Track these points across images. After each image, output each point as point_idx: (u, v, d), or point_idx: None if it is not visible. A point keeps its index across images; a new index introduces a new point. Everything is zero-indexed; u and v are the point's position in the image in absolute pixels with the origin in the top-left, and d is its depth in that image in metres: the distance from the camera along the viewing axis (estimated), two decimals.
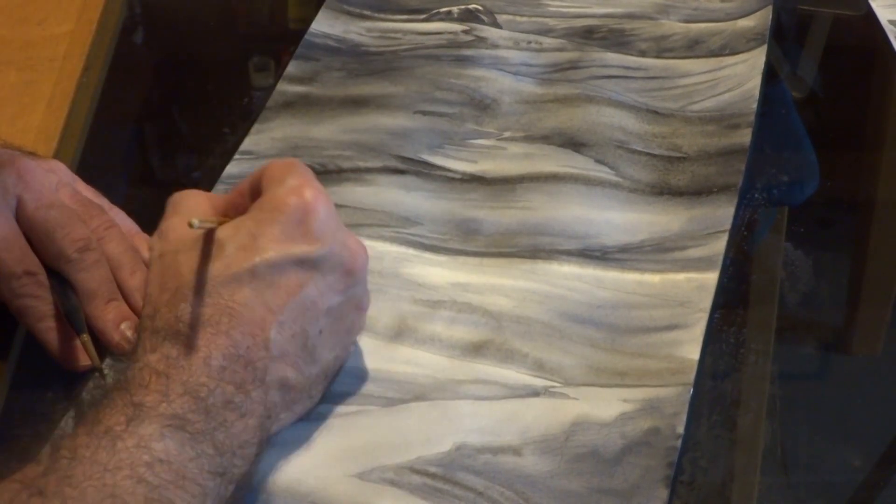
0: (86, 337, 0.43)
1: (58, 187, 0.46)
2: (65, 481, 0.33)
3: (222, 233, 0.39)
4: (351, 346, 0.42)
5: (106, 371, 0.43)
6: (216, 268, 0.38)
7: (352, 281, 0.40)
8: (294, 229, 0.39)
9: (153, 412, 0.35)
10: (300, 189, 0.39)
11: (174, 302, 0.38)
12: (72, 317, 0.43)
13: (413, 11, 0.67)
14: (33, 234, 0.45)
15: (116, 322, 0.44)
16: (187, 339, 0.37)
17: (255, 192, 0.41)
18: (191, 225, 0.37)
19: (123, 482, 0.33)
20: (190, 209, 0.42)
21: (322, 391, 0.41)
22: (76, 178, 0.49)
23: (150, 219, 0.50)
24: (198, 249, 0.39)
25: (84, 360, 0.43)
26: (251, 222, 0.39)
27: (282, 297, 0.38)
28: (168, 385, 0.36)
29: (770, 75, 0.61)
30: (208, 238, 0.39)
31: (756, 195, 0.53)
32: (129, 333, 0.44)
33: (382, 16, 0.67)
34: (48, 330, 0.43)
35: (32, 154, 0.49)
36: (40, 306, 0.44)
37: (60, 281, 0.44)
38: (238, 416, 0.36)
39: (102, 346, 0.44)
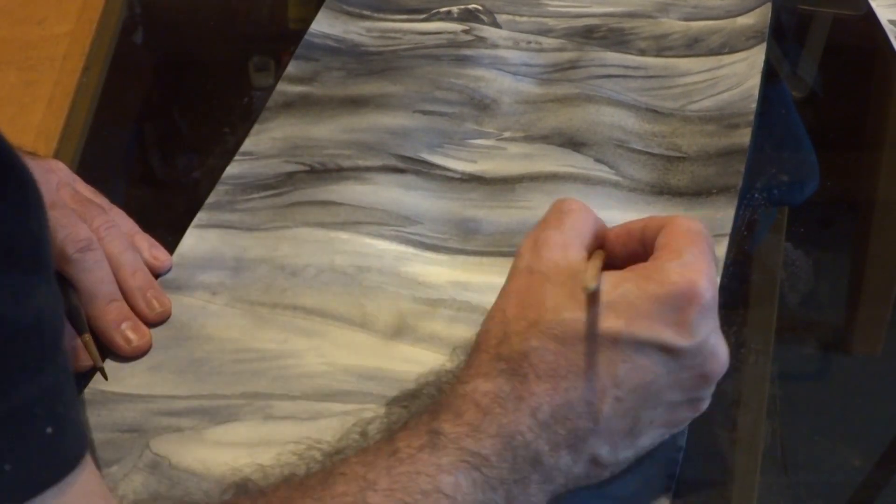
0: (87, 337, 0.43)
1: (58, 187, 0.46)
2: (311, 494, 0.31)
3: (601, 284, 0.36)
4: (669, 435, 0.39)
5: (107, 371, 0.43)
6: (580, 320, 0.36)
7: (704, 384, 0.37)
8: (671, 312, 0.36)
9: (453, 444, 0.33)
10: (694, 272, 0.36)
11: (528, 335, 0.36)
12: (73, 317, 0.43)
13: (413, 11, 0.67)
14: None
15: (118, 322, 0.44)
16: (527, 382, 0.35)
17: (646, 241, 0.38)
18: (585, 289, 0.35)
19: (386, 503, 0.31)
20: (574, 228, 0.39)
21: (620, 470, 0.38)
22: (76, 177, 0.49)
23: (150, 219, 0.50)
24: (569, 287, 0.36)
25: (85, 360, 0.43)
26: (631, 286, 0.36)
27: (631, 375, 0.36)
28: (483, 421, 0.34)
29: (770, 75, 0.61)
30: (594, 294, 0.36)
31: (756, 195, 0.53)
32: (129, 334, 0.44)
33: (382, 16, 0.67)
34: None
35: (33, 154, 0.49)
36: None
37: (61, 281, 0.44)
38: (540, 478, 0.35)
39: (103, 346, 0.44)
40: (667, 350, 0.36)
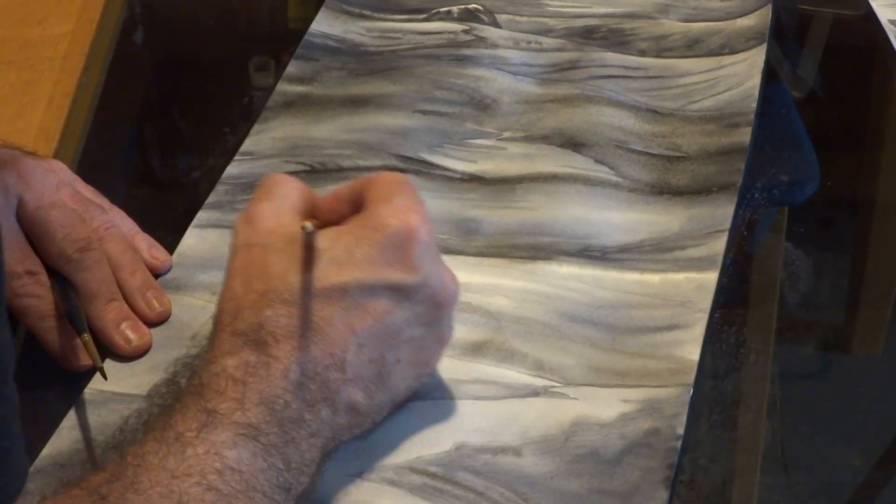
0: (87, 336, 0.43)
1: (58, 187, 0.46)
2: (130, 488, 0.32)
3: (319, 242, 0.38)
4: (425, 376, 0.41)
5: (107, 370, 0.43)
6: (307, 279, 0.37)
7: (439, 314, 0.39)
8: (392, 253, 0.37)
9: (227, 419, 0.34)
10: (406, 213, 0.38)
11: (260, 306, 0.37)
12: (73, 316, 0.43)
13: (413, 11, 0.67)
14: (34, 234, 0.45)
15: (117, 322, 0.44)
16: (269, 348, 0.36)
17: (355, 201, 0.40)
18: (303, 228, 0.36)
19: (192, 489, 0.32)
20: (283, 196, 0.40)
21: (385, 416, 0.40)
22: (76, 177, 0.49)
23: (150, 219, 0.50)
24: (290, 252, 0.37)
25: (85, 359, 0.43)
26: (350, 237, 0.38)
27: (367, 320, 0.37)
28: (244, 393, 0.35)
29: (770, 75, 0.61)
30: (308, 245, 0.37)
31: (756, 195, 0.53)
32: (129, 333, 0.44)
33: (382, 16, 0.67)
34: (49, 330, 0.43)
35: (33, 154, 0.49)
36: (41, 306, 0.44)
37: (61, 281, 0.44)
38: (307, 434, 0.36)
39: (103, 346, 0.44)
40: (396, 289, 0.37)
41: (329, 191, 0.52)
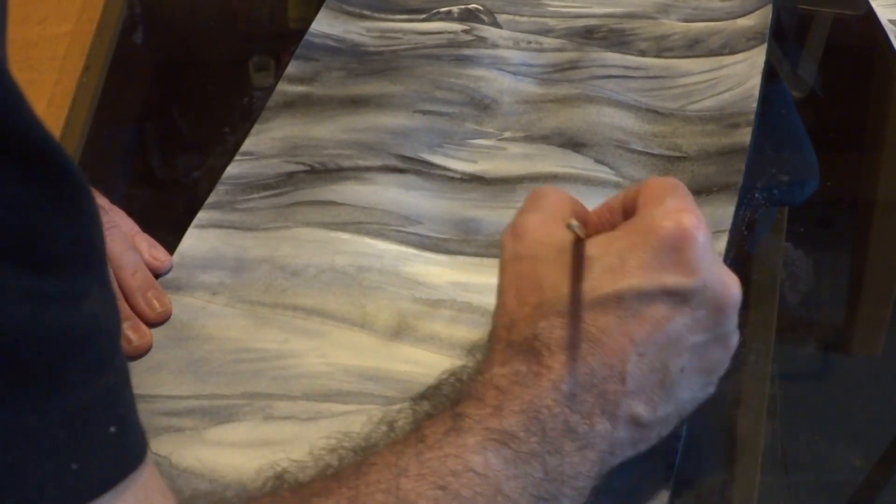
0: None
1: None
2: (345, 483, 0.31)
3: (590, 249, 0.36)
4: (712, 385, 0.38)
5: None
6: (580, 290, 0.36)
7: (722, 318, 0.37)
8: (668, 257, 0.35)
9: (478, 425, 0.33)
10: (679, 213, 0.36)
11: (534, 318, 0.36)
12: None
13: (413, 11, 0.67)
14: None
15: None
16: (542, 358, 0.35)
17: (628, 209, 0.38)
18: (569, 226, 0.35)
19: (420, 487, 0.31)
20: (551, 207, 0.39)
21: (672, 429, 0.38)
22: None
23: (150, 219, 0.50)
24: (561, 262, 0.36)
25: None
26: (622, 242, 0.36)
27: (646, 328, 0.35)
28: (504, 401, 0.34)
29: (770, 75, 0.61)
30: (577, 253, 0.36)
31: (756, 195, 0.53)
32: (129, 334, 0.44)
33: (382, 16, 0.67)
34: None
35: None
36: None
37: None
38: (578, 446, 0.34)
39: None
40: (674, 294, 0.36)
41: (337, 192, 0.53)
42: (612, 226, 0.38)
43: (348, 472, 0.33)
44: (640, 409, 0.36)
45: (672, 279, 0.35)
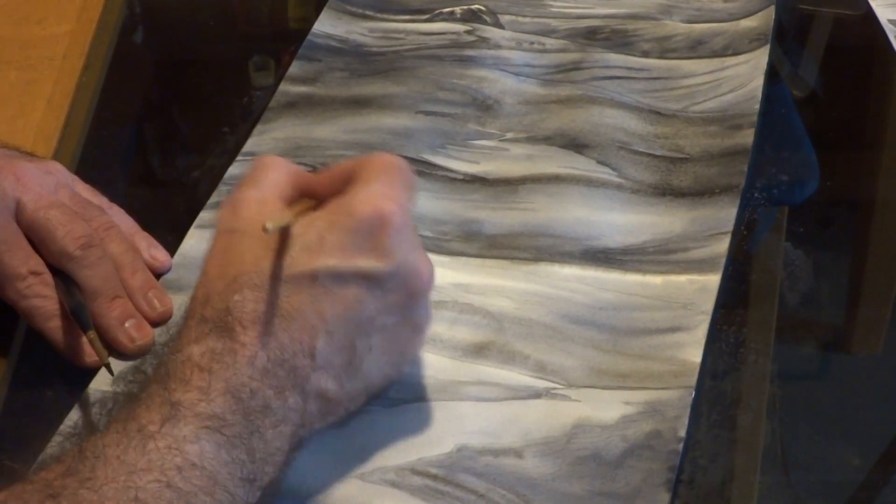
0: (92, 334, 0.43)
1: (56, 189, 0.46)
2: (85, 483, 0.31)
3: (295, 228, 0.37)
4: (403, 365, 0.40)
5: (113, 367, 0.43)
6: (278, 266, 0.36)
7: (412, 303, 0.38)
8: (364, 240, 0.37)
9: (190, 412, 0.34)
10: (381, 198, 0.37)
11: (228, 292, 0.36)
12: (77, 314, 0.43)
13: (416, 12, 0.67)
14: (34, 235, 0.45)
15: (121, 319, 0.44)
16: (235, 334, 0.35)
17: (346, 180, 0.39)
18: (264, 229, 0.35)
19: (150, 485, 0.32)
20: (271, 184, 0.39)
21: (361, 404, 0.40)
22: (75, 178, 0.49)
23: (150, 219, 0.50)
24: (266, 239, 0.37)
25: (92, 357, 0.43)
26: (322, 223, 0.37)
27: (337, 307, 0.37)
28: (210, 382, 0.34)
29: (770, 75, 0.61)
30: (283, 234, 0.37)
31: (756, 195, 0.53)
32: (133, 332, 0.44)
33: (385, 16, 0.67)
34: (56, 329, 0.43)
35: (31, 155, 0.49)
36: (47, 306, 0.44)
37: (64, 279, 0.44)
38: (273, 422, 0.35)
39: (107, 344, 0.44)
40: (367, 277, 0.37)
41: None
42: (334, 193, 0.39)
43: (76, 464, 0.32)
44: (329, 385, 0.37)
45: (366, 262, 0.37)
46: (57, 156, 0.56)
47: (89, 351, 0.43)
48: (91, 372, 0.43)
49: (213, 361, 0.35)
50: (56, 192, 0.46)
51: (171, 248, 0.49)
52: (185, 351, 0.35)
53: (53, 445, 0.40)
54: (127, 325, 0.44)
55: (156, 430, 0.33)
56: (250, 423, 0.34)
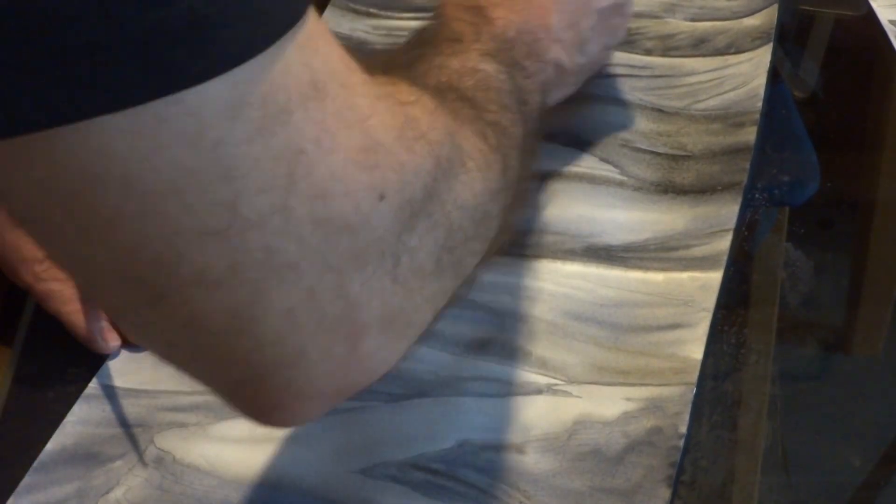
0: None
1: None
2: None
3: None
4: (612, 47, 0.51)
5: None
6: None
7: None
8: None
9: (471, 46, 0.39)
10: None
11: None
12: None
13: (419, 10, 0.67)
14: None
15: None
16: (485, 11, 0.41)
17: None
18: None
19: (454, 78, 0.36)
20: None
21: (583, 81, 0.49)
22: None
23: None
24: None
25: (113, 339, 0.43)
26: None
27: None
28: (479, 33, 0.40)
29: (771, 76, 0.61)
30: None
31: (757, 195, 0.53)
32: None
33: (389, 14, 0.66)
34: (74, 313, 0.43)
35: None
36: (65, 290, 0.44)
37: None
38: (525, 74, 0.41)
39: (122, 332, 0.44)
40: None
41: None
42: None
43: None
44: (562, 55, 0.45)
45: None
46: None
47: (111, 335, 0.43)
48: (93, 368, 0.43)
49: (470, 26, 0.40)
50: None
51: None
52: (447, 25, 0.40)
53: (53, 445, 0.40)
54: None
55: (447, 56, 0.37)
56: (511, 67, 0.40)
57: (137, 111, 0.21)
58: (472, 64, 0.37)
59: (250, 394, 0.27)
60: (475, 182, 0.30)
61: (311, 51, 0.24)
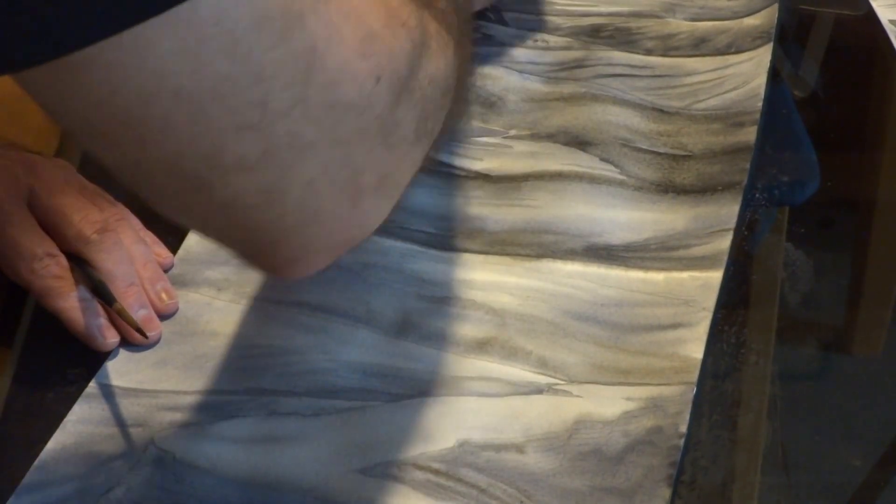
0: (119, 305, 0.43)
1: (66, 180, 0.46)
2: None
3: None
4: None
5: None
6: None
7: None
8: None
9: None
10: None
11: None
12: (100, 290, 0.43)
13: None
14: (49, 221, 0.45)
15: (135, 307, 0.44)
16: None
17: None
18: None
19: None
20: None
21: None
22: (81, 177, 0.49)
23: (150, 219, 0.50)
24: None
25: (112, 336, 0.43)
26: None
27: None
28: None
29: (771, 75, 0.61)
30: None
31: (757, 195, 0.53)
32: (144, 323, 0.44)
33: None
34: (72, 310, 0.43)
35: (39, 153, 0.49)
36: (63, 287, 0.44)
37: (79, 263, 0.44)
38: None
39: (119, 331, 0.44)
40: None
41: None
42: None
43: None
44: None
45: None
46: (58, 156, 0.55)
47: (109, 332, 0.43)
48: (93, 367, 0.44)
49: None
50: (66, 184, 0.46)
51: (172, 247, 0.49)
52: None
53: (54, 445, 0.40)
54: (139, 314, 0.44)
55: None
56: None
57: (180, 28, 0.24)
58: None
59: (273, 252, 0.32)
60: (439, 59, 0.33)
61: None
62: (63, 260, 0.44)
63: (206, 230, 0.34)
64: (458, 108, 0.37)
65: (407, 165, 0.34)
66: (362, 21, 0.29)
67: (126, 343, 0.44)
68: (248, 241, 0.32)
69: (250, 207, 0.30)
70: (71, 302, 0.43)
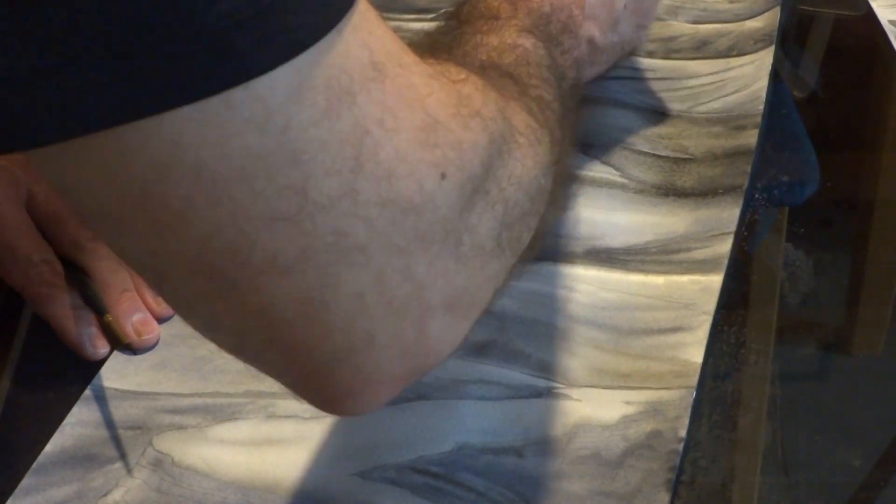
0: (110, 316, 0.43)
1: None
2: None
3: None
4: (644, 29, 0.53)
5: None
6: None
7: None
8: None
9: (507, 23, 0.38)
10: None
11: None
12: (93, 300, 0.43)
13: (421, 11, 0.67)
14: (46, 225, 0.45)
15: (129, 312, 0.44)
16: None
17: None
18: None
19: (493, 56, 0.35)
20: None
21: (614, 61, 0.52)
22: None
23: None
24: None
25: (102, 346, 0.43)
26: None
27: None
28: (515, 9, 0.40)
29: (773, 77, 0.61)
30: None
31: (757, 195, 0.53)
32: (140, 326, 0.44)
33: (390, 15, 0.66)
34: (63, 318, 0.43)
35: None
36: (57, 294, 0.44)
37: (74, 270, 0.44)
38: (561, 50, 0.41)
39: (117, 335, 0.44)
40: None
41: None
42: None
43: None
44: (595, 33, 0.47)
45: None
46: None
47: (100, 342, 0.43)
48: (92, 369, 0.43)
49: (510, 4, 0.40)
50: None
51: None
52: (484, 3, 0.40)
53: (52, 447, 0.40)
54: (134, 318, 0.44)
55: (484, 33, 0.37)
56: (548, 42, 0.40)
57: (207, 101, 0.21)
58: (510, 40, 0.37)
59: (321, 382, 0.27)
60: (527, 157, 0.30)
61: (367, 32, 0.24)
62: (58, 266, 0.44)
63: (241, 351, 0.28)
64: (553, 212, 0.33)
65: (484, 280, 0.29)
66: (424, 105, 0.25)
67: (121, 346, 0.44)
68: (292, 366, 0.27)
69: (288, 322, 0.25)
70: (63, 310, 0.43)
